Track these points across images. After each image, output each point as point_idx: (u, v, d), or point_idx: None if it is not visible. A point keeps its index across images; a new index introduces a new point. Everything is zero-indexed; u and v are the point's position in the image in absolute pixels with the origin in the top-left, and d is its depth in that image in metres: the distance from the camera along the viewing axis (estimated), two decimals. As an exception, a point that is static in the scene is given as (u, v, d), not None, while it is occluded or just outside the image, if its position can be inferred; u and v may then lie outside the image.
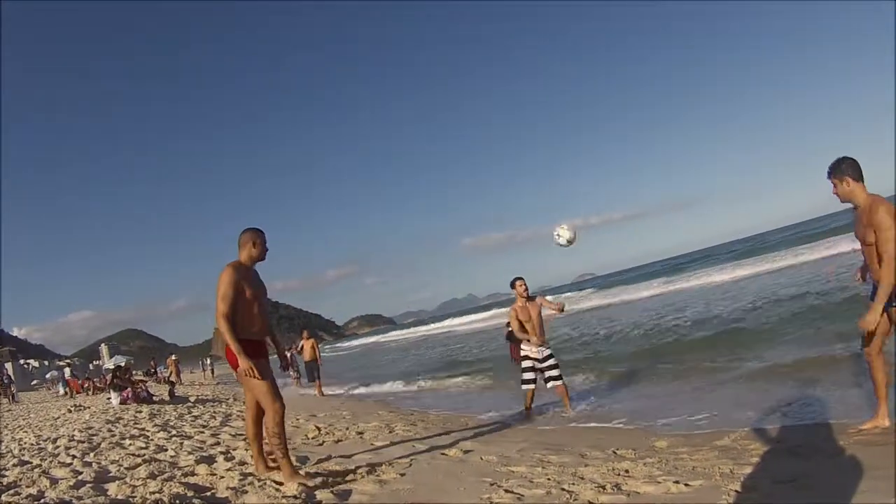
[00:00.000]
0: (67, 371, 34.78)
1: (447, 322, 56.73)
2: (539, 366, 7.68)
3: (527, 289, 7.74)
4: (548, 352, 7.73)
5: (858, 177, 4.18)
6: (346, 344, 54.75)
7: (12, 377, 29.33)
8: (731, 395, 7.14)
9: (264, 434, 4.73)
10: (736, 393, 7.17)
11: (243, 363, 4.35)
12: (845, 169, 4.19)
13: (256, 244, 4.70)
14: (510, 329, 8.12)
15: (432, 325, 58.50)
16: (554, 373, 7.63)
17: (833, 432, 4.48)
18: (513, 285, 7.80)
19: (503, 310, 47.90)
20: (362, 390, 16.15)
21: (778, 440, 4.67)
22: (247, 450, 6.19)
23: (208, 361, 42.94)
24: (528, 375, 7.73)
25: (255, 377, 4.39)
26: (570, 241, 5.75)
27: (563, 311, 7.60)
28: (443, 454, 5.35)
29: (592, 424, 6.99)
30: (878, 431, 4.24)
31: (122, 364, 29.25)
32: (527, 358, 7.73)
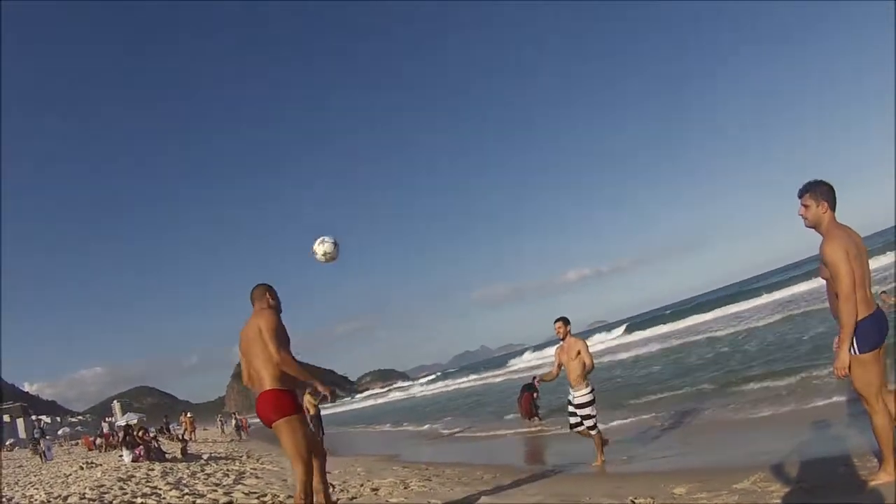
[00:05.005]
0: (106, 427, 35.19)
1: (466, 378, 56.65)
2: (573, 410, 7.40)
3: (561, 329, 7.43)
4: (585, 398, 7.31)
5: (833, 205, 3.79)
6: (374, 401, 54.69)
7: (43, 431, 29.09)
8: (747, 435, 7.03)
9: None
10: (752, 432, 7.07)
11: (323, 386, 4.29)
12: (824, 193, 3.77)
13: (273, 296, 4.60)
14: (534, 380, 8.11)
15: (460, 380, 57.90)
16: (588, 423, 7.32)
17: (853, 468, 4.37)
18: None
19: (518, 363, 47.73)
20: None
21: (798, 480, 4.56)
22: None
23: (231, 420, 41.53)
24: (571, 419, 7.55)
25: (335, 397, 4.41)
26: (325, 254, 5.32)
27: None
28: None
29: (609, 472, 6.88)
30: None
31: (135, 422, 29.23)
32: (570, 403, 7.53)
